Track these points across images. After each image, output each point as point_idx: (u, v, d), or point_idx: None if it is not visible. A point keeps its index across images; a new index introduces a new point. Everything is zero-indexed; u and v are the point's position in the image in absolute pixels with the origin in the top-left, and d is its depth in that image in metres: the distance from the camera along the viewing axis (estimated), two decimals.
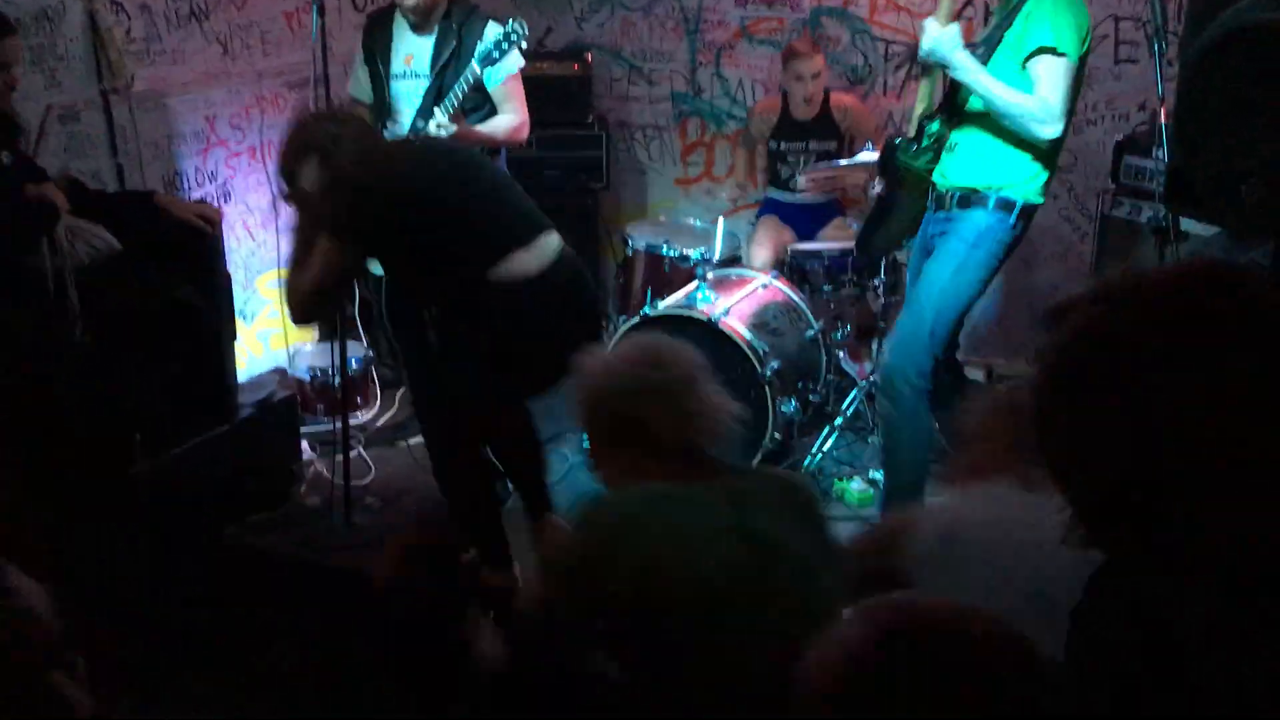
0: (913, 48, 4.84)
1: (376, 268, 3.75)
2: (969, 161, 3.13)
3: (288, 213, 4.69)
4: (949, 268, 3.13)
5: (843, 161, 4.40)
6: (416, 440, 4.25)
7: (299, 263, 2.84)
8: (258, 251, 4.50)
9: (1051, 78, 2.90)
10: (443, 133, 3.46)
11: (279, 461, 3.89)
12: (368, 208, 2.72)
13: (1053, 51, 2.90)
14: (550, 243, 2.86)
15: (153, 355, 3.30)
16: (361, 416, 4.43)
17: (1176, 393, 0.90)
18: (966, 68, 2.94)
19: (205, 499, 3.42)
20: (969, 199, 3.12)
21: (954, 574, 1.62)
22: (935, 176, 3.22)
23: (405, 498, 3.87)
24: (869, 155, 4.09)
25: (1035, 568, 1.54)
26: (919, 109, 3.19)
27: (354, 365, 4.35)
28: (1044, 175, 3.11)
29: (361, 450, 4.12)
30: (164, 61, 4.03)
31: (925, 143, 3.20)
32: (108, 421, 3.08)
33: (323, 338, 4.68)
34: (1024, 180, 3.08)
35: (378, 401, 4.52)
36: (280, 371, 4.43)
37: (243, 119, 4.41)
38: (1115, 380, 0.94)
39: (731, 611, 1.62)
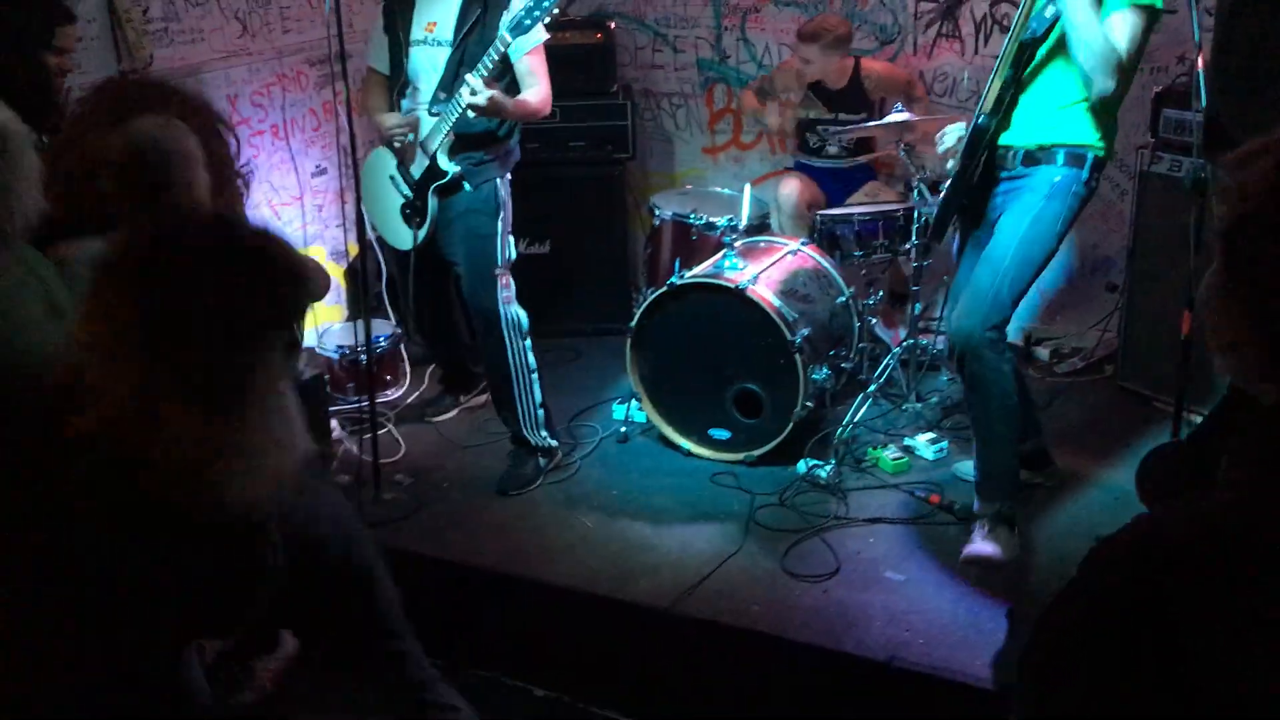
0: (942, 6, 4.74)
1: (405, 242, 3.73)
2: (1033, 120, 3.07)
3: (314, 191, 4.71)
4: (1025, 220, 3.06)
5: (872, 123, 4.32)
6: (445, 417, 4.25)
7: None
8: (284, 231, 4.48)
9: (1125, 27, 2.86)
10: (479, 99, 3.29)
11: None
12: None
13: (1148, 9, 2.86)
14: None
15: None
16: (391, 394, 4.42)
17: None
18: None
19: None
20: (1035, 156, 3.07)
21: None
22: (1000, 140, 3.14)
23: (436, 474, 3.85)
24: (899, 116, 4.01)
25: None
26: (998, 81, 3.10)
27: (383, 343, 4.34)
28: (1110, 130, 3.04)
29: (392, 428, 4.11)
30: (183, 40, 4.01)
31: (1003, 111, 3.13)
32: None
33: (351, 316, 4.67)
34: (1090, 133, 3.02)
35: (407, 379, 4.50)
36: (308, 351, 4.42)
37: (264, 97, 4.39)
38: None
39: None
